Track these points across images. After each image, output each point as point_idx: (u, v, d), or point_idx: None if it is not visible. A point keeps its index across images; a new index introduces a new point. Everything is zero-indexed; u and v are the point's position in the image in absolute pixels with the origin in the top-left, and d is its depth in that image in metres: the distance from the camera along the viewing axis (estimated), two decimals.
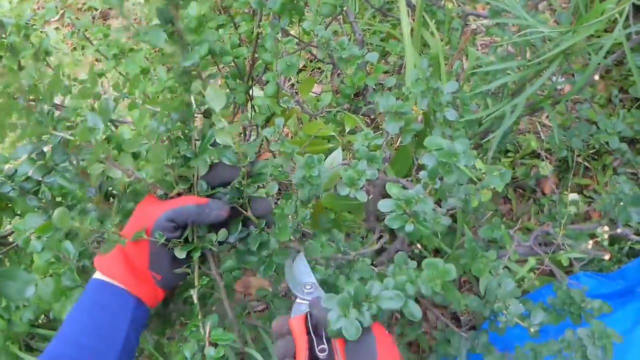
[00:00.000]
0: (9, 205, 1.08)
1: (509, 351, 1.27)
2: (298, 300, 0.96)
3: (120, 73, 1.64)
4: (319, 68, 2.63)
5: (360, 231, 1.61)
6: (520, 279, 1.27)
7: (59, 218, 0.79)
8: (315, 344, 0.88)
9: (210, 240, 0.96)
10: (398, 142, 1.54)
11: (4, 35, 1.38)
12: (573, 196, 1.24)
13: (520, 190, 2.22)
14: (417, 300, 0.93)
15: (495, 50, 1.47)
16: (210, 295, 1.14)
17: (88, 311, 0.87)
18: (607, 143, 1.65)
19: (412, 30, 1.51)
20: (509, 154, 2.21)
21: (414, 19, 1.60)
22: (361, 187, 1.17)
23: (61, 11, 3.13)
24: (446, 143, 1.02)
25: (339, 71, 2.38)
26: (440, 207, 1.27)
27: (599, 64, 1.25)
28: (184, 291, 1.07)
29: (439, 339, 1.38)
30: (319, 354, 0.87)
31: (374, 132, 1.28)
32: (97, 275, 0.90)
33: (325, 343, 0.88)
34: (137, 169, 0.90)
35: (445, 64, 1.51)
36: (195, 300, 0.99)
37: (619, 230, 1.31)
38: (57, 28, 3.07)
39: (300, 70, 2.61)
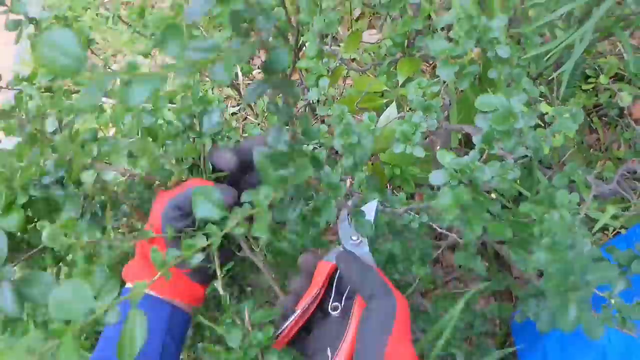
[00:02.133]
0: None
1: (595, 311, 1.17)
2: (340, 247, 0.90)
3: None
4: (377, 13, 2.51)
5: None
6: (602, 228, 1.17)
7: (50, 237, 0.76)
8: (331, 298, 0.86)
9: None
10: None
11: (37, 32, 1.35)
12: None
13: (607, 118, 2.05)
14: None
15: None
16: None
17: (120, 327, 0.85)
18: None
19: None
20: (590, 80, 2.04)
21: None
22: (418, 142, 1.10)
23: None
24: (501, 102, 0.92)
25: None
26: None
27: None
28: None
29: (520, 298, 1.29)
30: (331, 311, 0.85)
31: (435, 78, 1.19)
32: (127, 286, 0.87)
33: (342, 302, 0.85)
34: (131, 166, 0.87)
35: None
36: (222, 291, 0.92)
37: None
38: (97, 14, 3.06)
39: (357, 18, 2.51)
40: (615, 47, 2.10)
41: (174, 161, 0.88)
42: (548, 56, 1.36)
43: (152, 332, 0.82)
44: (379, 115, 1.41)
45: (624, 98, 1.49)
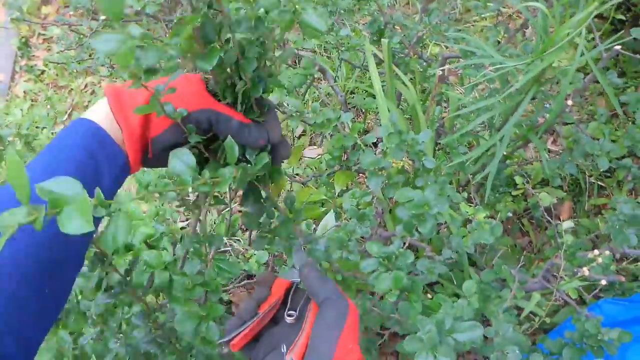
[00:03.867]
0: None
1: None
2: (294, 270, 0.95)
3: None
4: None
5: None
6: (528, 316, 1.24)
7: None
8: (287, 309, 0.90)
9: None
10: None
11: (1, 147, 1.37)
12: (567, 224, 1.21)
13: (535, 221, 2.17)
14: None
15: (471, 90, 1.47)
16: None
17: (77, 154, 0.77)
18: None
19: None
20: (519, 186, 2.17)
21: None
22: (352, 249, 1.16)
23: (69, 111, 3.28)
24: (416, 194, 1.02)
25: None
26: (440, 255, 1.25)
27: (569, 91, 1.24)
28: None
29: None
30: (287, 317, 0.88)
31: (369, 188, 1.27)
32: (95, 115, 0.80)
33: (297, 311, 0.89)
34: None
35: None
36: None
37: (627, 250, 1.27)
38: (52, 134, 3.17)
39: (299, 136, 2.64)
40: (539, 155, 2.25)
41: None
42: (472, 162, 1.47)
43: (106, 174, 0.79)
44: (318, 224, 1.48)
45: (544, 199, 1.60)
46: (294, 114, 1.36)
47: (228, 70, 0.84)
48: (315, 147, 2.57)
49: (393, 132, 1.20)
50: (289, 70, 1.51)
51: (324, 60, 2.53)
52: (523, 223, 2.15)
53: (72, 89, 3.37)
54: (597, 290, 1.35)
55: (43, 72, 3.47)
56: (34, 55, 3.56)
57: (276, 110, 0.92)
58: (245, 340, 0.87)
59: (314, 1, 1.61)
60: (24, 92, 3.38)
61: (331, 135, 2.41)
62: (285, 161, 1.05)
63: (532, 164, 2.15)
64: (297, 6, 0.72)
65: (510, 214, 1.86)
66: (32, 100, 3.33)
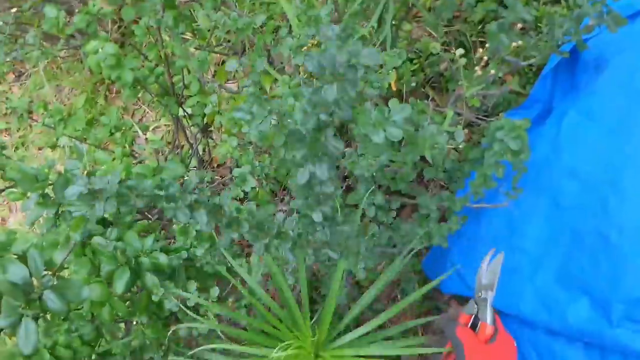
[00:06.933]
0: None
1: None
2: (472, 300, 1.22)
3: (69, 136, 1.81)
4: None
5: None
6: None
7: None
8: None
9: None
10: None
11: None
12: (459, 51, 1.49)
13: (438, 86, 2.47)
14: None
15: None
16: None
17: None
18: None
19: None
20: (415, 61, 2.46)
21: None
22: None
23: None
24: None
25: None
26: None
27: None
28: None
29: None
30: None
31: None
32: None
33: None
34: None
35: None
36: None
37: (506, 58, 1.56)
38: None
39: (223, 62, 2.83)
40: (427, 32, 2.56)
41: None
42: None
43: None
44: None
45: (435, 47, 1.90)
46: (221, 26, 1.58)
47: None
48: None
49: (302, 8, 1.45)
50: None
51: None
52: (426, 91, 2.45)
53: None
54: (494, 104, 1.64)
55: None
56: None
57: None
58: None
59: None
60: None
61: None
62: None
63: (419, 41, 2.44)
64: None
65: (413, 84, 2.16)
66: None
